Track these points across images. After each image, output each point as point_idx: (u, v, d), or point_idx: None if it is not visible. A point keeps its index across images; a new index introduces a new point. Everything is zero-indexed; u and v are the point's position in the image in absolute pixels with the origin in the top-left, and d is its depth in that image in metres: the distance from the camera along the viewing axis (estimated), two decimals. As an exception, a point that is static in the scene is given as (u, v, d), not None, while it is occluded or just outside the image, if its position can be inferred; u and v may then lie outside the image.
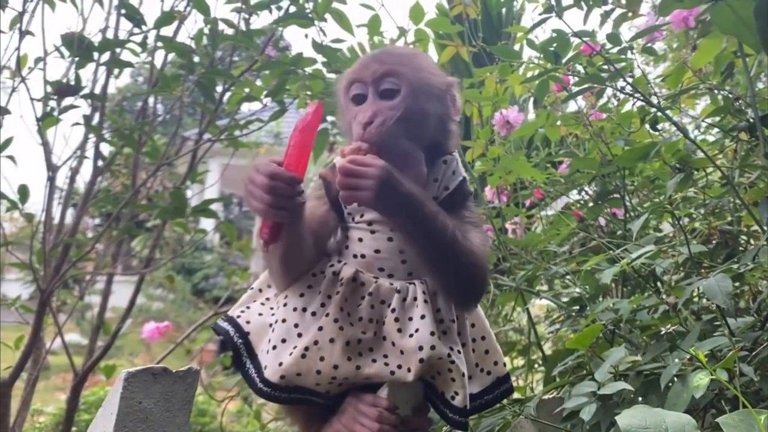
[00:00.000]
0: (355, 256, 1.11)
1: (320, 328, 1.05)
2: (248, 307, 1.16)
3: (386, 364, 1.05)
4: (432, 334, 1.04)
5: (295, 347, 1.05)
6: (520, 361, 2.21)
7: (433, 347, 1.03)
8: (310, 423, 1.12)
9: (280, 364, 1.04)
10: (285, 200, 0.97)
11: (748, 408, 0.90)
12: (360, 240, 1.11)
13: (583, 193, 2.24)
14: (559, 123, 2.09)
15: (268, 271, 1.16)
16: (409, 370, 1.04)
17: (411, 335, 1.05)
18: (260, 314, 1.14)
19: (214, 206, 2.18)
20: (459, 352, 1.08)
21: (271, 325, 1.10)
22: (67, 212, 2.50)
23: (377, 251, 1.10)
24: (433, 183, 1.13)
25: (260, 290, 1.19)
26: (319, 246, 1.12)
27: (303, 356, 1.04)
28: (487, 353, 1.17)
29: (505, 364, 1.19)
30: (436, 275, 1.08)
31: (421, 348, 1.03)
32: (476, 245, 1.06)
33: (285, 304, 1.10)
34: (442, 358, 1.05)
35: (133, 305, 2.39)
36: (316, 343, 1.04)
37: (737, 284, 1.32)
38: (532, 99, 2.52)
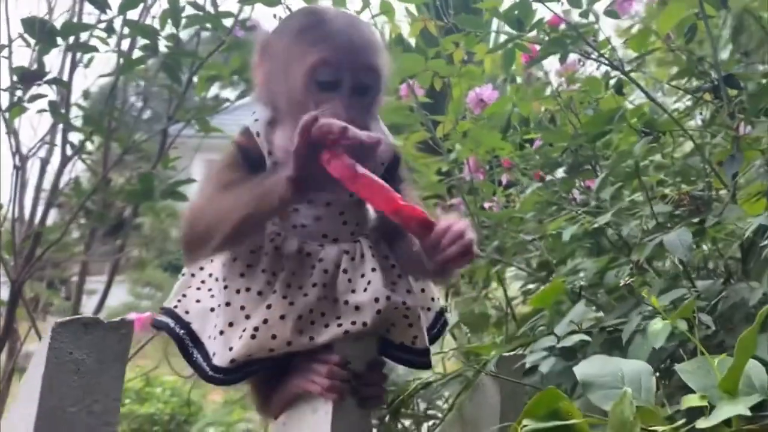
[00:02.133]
0: (294, 226, 1.06)
1: (269, 306, 1.01)
2: (184, 295, 1.10)
3: (339, 326, 1.02)
4: (385, 285, 1.03)
5: (244, 329, 1.01)
6: (497, 337, 2.19)
7: (388, 297, 1.02)
8: (262, 388, 1.09)
9: (230, 348, 1.01)
10: None
11: (705, 355, 0.89)
12: (296, 210, 1.06)
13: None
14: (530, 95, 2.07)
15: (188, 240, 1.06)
16: (364, 324, 1.01)
17: (365, 290, 1.03)
18: (198, 300, 1.09)
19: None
20: (414, 293, 1.07)
21: (213, 309, 1.06)
22: (38, 203, 2.47)
23: (318, 218, 1.06)
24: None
25: (192, 275, 1.12)
26: None
27: (253, 337, 1.00)
28: (423, 291, 1.16)
29: (439, 299, 1.18)
30: None
31: (377, 300, 1.01)
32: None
33: (226, 287, 1.05)
34: (398, 307, 1.03)
35: (108, 292, 2.37)
36: (265, 321, 1.00)
37: (698, 240, 1.30)
38: (509, 78, 2.50)
